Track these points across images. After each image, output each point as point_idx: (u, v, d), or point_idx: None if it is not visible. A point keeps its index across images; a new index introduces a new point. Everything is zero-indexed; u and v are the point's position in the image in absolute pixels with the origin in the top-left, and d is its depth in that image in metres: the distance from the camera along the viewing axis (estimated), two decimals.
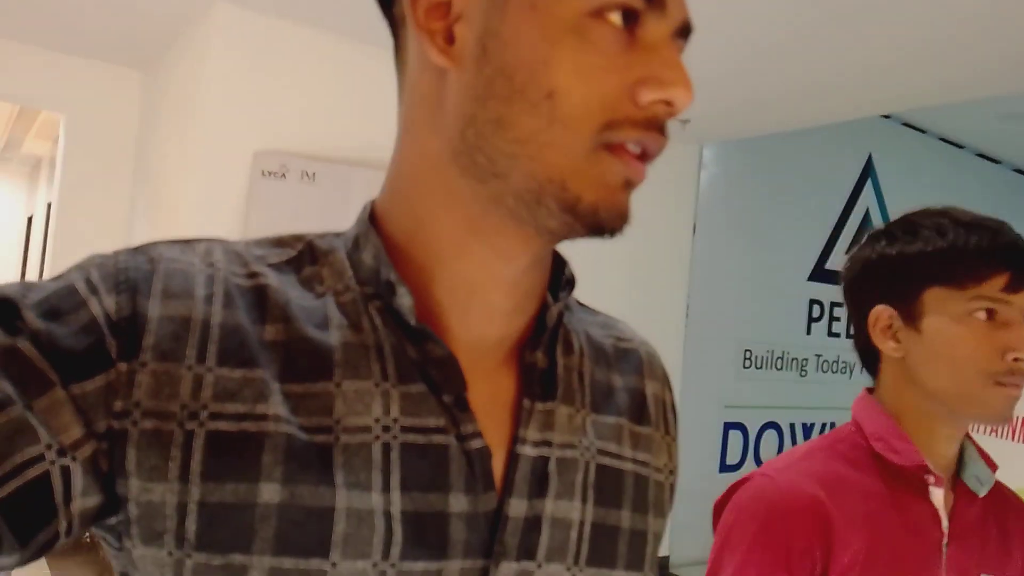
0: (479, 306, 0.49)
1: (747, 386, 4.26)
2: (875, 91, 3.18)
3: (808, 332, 4.54)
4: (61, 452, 0.39)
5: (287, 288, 0.47)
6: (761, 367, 4.32)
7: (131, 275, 0.44)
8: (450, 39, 0.45)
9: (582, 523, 0.49)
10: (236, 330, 0.44)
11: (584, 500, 0.50)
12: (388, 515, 0.43)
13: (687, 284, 4.03)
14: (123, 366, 0.41)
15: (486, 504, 0.46)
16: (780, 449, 4.42)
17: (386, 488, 0.43)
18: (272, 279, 0.47)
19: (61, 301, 0.42)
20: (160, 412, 0.41)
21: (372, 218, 0.50)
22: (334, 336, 0.46)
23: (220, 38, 2.74)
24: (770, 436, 4.40)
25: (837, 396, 4.59)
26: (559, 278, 0.54)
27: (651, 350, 0.62)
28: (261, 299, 0.46)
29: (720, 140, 4.07)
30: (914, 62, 2.82)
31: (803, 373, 4.52)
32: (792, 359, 4.46)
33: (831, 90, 3.20)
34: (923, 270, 0.90)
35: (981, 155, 5.22)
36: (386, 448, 0.44)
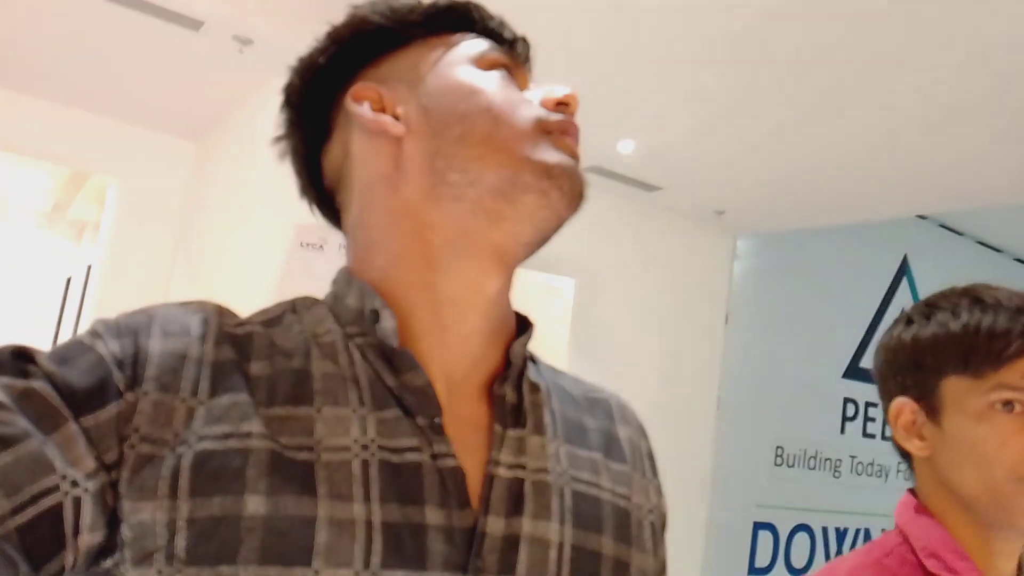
0: (456, 326, 0.53)
1: (779, 485, 4.12)
2: (912, 193, 3.18)
3: (842, 432, 4.42)
4: (74, 483, 0.42)
5: (272, 334, 0.52)
6: (794, 465, 4.19)
7: (132, 324, 0.49)
8: (395, 119, 0.56)
9: (561, 544, 0.50)
10: (225, 365, 0.48)
11: (562, 522, 0.51)
12: (369, 524, 0.45)
13: (718, 376, 3.96)
14: (130, 396, 0.45)
15: (462, 520, 0.48)
16: (812, 553, 4.25)
17: (366, 499, 0.46)
18: (259, 328, 0.52)
19: (70, 350, 0.47)
20: (155, 439, 0.45)
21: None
22: (315, 369, 0.50)
23: (272, 115, 2.82)
24: (801, 539, 4.22)
25: (872, 501, 4.44)
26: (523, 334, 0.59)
27: (623, 401, 0.65)
28: (248, 342, 0.51)
29: (755, 232, 4.07)
30: (951, 166, 2.82)
31: (837, 474, 4.37)
32: (826, 459, 4.33)
33: (868, 189, 3.20)
34: (937, 357, 0.81)
35: (1019, 260, 5.16)
36: (365, 465, 0.47)
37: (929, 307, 0.85)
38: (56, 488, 0.41)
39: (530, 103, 0.56)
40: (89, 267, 5.36)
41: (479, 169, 0.53)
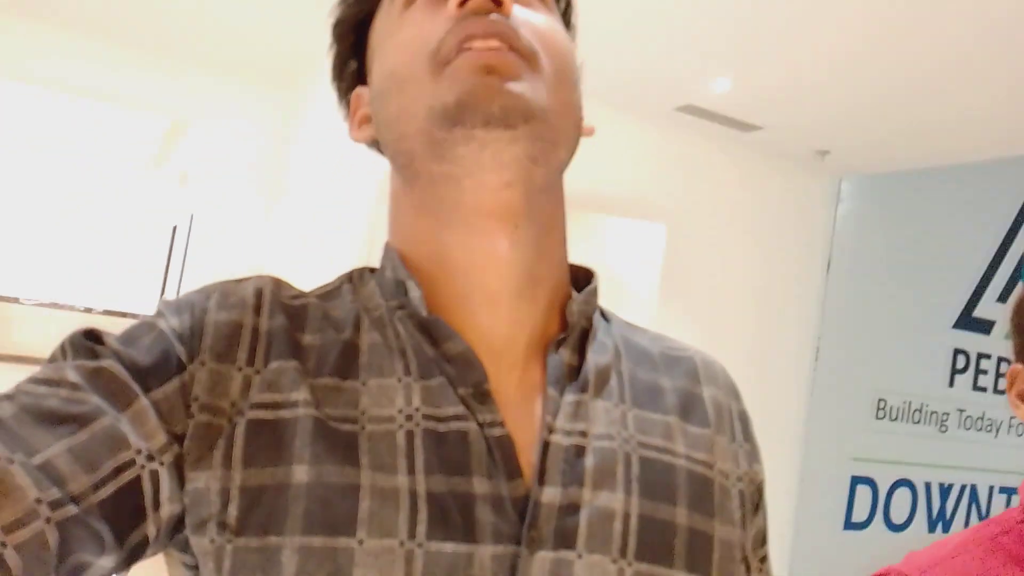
0: (479, 293, 0.51)
1: (879, 439, 3.96)
2: None
3: (951, 384, 4.19)
4: (150, 457, 0.43)
5: (326, 307, 0.52)
6: (896, 419, 4.01)
7: (191, 299, 0.50)
8: (367, 121, 0.56)
9: (627, 515, 0.48)
10: (278, 333, 0.49)
11: (628, 491, 0.48)
12: (413, 494, 0.44)
13: (818, 325, 3.82)
14: (191, 367, 0.46)
15: (513, 490, 0.46)
16: (912, 509, 4.09)
17: (411, 471, 0.45)
18: (314, 300, 0.53)
19: (136, 330, 0.48)
20: (212, 407, 0.45)
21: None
22: (363, 341, 0.50)
23: None
24: (902, 494, 4.07)
25: (980, 457, 4.24)
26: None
27: (709, 359, 0.60)
28: (302, 313, 0.51)
29: (860, 174, 3.85)
30: None
31: (943, 428, 4.17)
32: (931, 412, 4.12)
33: (986, 124, 2.95)
34: None
35: None
36: (409, 435, 0.46)
37: None
38: (133, 462, 0.42)
39: (431, 31, 0.49)
40: (192, 216, 5.57)
41: (407, 147, 0.50)
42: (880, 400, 3.95)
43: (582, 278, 0.57)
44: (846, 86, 2.81)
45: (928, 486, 4.14)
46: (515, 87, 0.46)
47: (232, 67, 3.67)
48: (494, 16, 0.48)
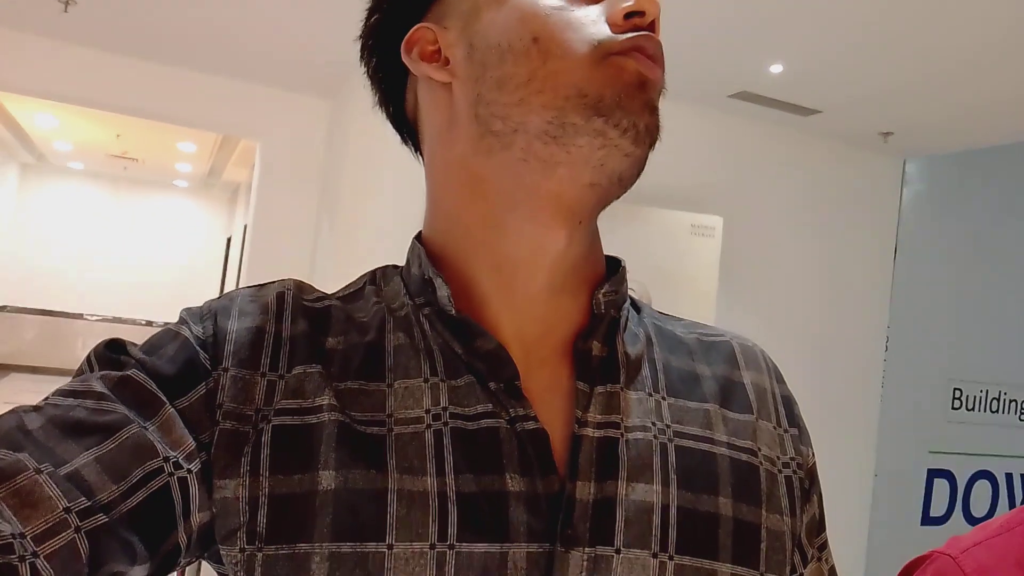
0: (523, 285, 0.50)
1: (956, 429, 3.81)
2: None
3: None
4: (177, 465, 0.43)
5: (349, 309, 0.52)
6: (973, 408, 3.85)
7: (213, 307, 0.50)
8: (446, 64, 0.52)
9: (666, 507, 0.47)
10: (302, 339, 0.48)
11: (665, 483, 0.47)
12: (443, 496, 0.44)
13: (887, 312, 3.69)
14: (215, 374, 0.46)
15: (547, 487, 0.45)
16: (993, 503, 3.92)
17: (440, 472, 0.44)
18: (336, 303, 0.52)
19: (159, 339, 0.48)
20: (238, 414, 0.45)
21: (419, 242, 0.54)
22: (388, 343, 0.49)
23: None
24: (982, 487, 3.90)
25: None
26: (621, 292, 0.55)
27: (748, 343, 0.59)
28: (325, 317, 0.51)
29: (927, 154, 3.70)
30: None
31: (1023, 416, 3.98)
32: (1011, 401, 3.95)
33: None
34: None
35: None
36: (437, 435, 0.45)
37: None
38: (161, 470, 0.42)
39: (593, 22, 0.48)
40: (245, 227, 5.65)
41: (521, 115, 0.47)
42: (956, 389, 3.80)
43: (612, 268, 0.56)
44: (905, 64, 2.69)
45: (1009, 477, 3.97)
46: (658, 111, 0.48)
47: (279, 79, 3.69)
48: (651, 43, 0.49)
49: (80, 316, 9.05)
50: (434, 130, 0.54)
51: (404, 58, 0.53)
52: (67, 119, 6.78)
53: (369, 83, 0.59)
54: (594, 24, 0.48)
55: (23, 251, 9.11)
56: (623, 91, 0.46)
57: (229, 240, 8.37)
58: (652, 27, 0.49)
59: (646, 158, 0.48)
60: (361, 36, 0.57)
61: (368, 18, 0.57)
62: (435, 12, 0.53)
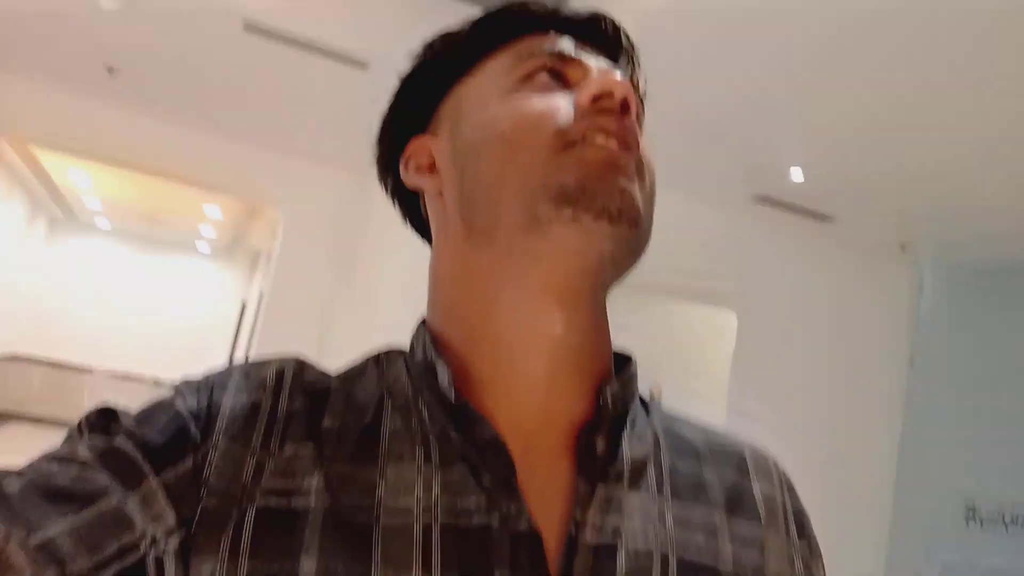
0: (522, 371, 0.49)
1: (971, 547, 3.68)
2: None
3: None
4: (154, 541, 0.42)
5: (350, 389, 0.51)
6: (988, 526, 3.72)
7: (210, 379, 0.49)
8: (436, 171, 0.55)
9: None
10: (298, 417, 0.48)
11: None
12: None
13: (900, 425, 3.65)
14: (204, 448, 0.45)
15: None
16: None
17: (426, 568, 0.42)
18: (337, 383, 0.51)
19: (152, 409, 0.47)
20: (223, 491, 0.44)
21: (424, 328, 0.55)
22: (384, 426, 0.48)
23: None
24: None
25: None
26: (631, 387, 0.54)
27: (760, 451, 0.56)
28: (324, 396, 0.50)
29: (944, 264, 3.71)
30: None
31: None
32: None
33: None
34: None
35: None
36: (426, 529, 0.44)
37: None
38: (137, 547, 0.41)
39: (559, 110, 0.49)
40: (261, 293, 5.70)
41: (497, 210, 0.48)
42: (970, 508, 3.69)
43: (622, 363, 0.54)
44: (924, 171, 2.72)
45: None
46: (632, 190, 0.47)
47: (305, 152, 3.79)
48: (620, 124, 0.49)
49: (89, 370, 9.05)
50: (435, 226, 0.56)
51: (402, 174, 0.56)
52: (99, 177, 6.96)
53: (390, 201, 0.61)
54: (558, 113, 0.49)
55: (42, 300, 9.20)
56: (586, 177, 0.46)
57: (244, 305, 8.42)
58: (625, 106, 0.49)
59: (636, 236, 0.47)
60: (376, 160, 0.59)
61: (378, 142, 0.59)
62: (432, 123, 0.56)
